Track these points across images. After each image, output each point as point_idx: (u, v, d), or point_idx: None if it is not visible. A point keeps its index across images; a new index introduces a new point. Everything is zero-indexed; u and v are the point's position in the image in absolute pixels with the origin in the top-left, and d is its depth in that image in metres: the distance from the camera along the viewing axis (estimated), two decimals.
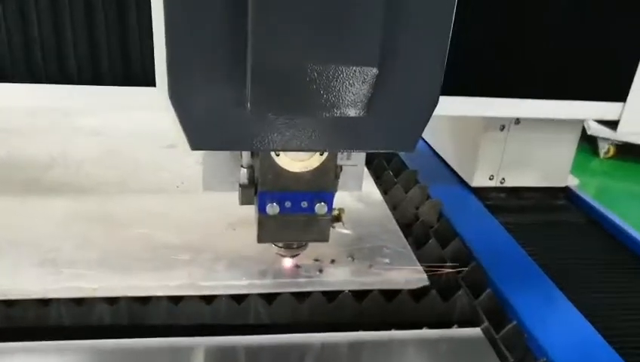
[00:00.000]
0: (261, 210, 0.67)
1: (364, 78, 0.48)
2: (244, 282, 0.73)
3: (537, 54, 0.86)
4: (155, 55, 0.54)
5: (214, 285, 0.72)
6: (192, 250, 0.78)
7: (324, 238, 0.71)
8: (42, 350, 0.63)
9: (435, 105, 0.54)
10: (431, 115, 0.55)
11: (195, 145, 0.52)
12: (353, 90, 0.49)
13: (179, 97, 0.49)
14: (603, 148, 3.94)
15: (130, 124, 1.22)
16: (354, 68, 0.48)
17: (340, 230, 0.79)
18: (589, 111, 0.91)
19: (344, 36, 0.47)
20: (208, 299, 0.71)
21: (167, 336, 0.66)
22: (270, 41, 0.46)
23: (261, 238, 0.69)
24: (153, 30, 0.53)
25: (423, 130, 0.56)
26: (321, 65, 0.47)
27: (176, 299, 0.71)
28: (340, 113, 0.50)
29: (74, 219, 0.85)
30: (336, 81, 0.48)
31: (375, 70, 0.48)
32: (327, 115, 0.50)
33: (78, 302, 0.69)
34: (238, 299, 0.72)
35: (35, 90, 0.74)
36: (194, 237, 0.81)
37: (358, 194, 0.91)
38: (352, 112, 0.51)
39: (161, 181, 0.98)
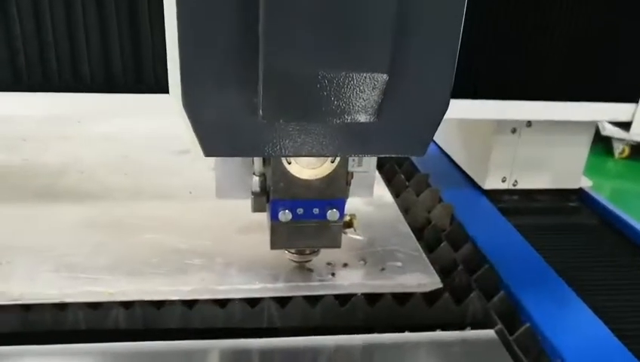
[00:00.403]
0: (273, 217, 0.68)
1: (375, 84, 0.49)
2: (257, 286, 0.73)
3: (548, 56, 0.87)
4: (168, 65, 0.55)
5: (228, 289, 0.73)
6: (205, 255, 0.79)
7: (335, 244, 0.71)
8: (57, 353, 0.65)
9: (446, 110, 0.55)
10: (441, 119, 0.55)
11: (208, 151, 0.53)
12: (364, 96, 0.49)
13: (192, 106, 0.50)
14: (617, 148, 3.91)
15: (142, 130, 1.23)
16: (364, 74, 0.48)
17: (351, 236, 0.80)
18: (601, 113, 0.91)
19: (355, 43, 0.47)
20: (222, 303, 0.72)
21: (181, 340, 0.67)
22: (281, 49, 0.47)
23: (274, 245, 0.70)
24: (166, 40, 0.54)
25: (434, 134, 0.56)
26: (332, 72, 0.48)
27: (190, 303, 0.71)
28: (351, 119, 0.51)
29: (88, 225, 0.85)
30: (347, 87, 0.49)
31: (385, 76, 0.49)
32: (338, 121, 0.51)
33: (94, 306, 0.70)
34: (252, 302, 0.72)
35: (48, 99, 0.76)
36: (206, 242, 0.82)
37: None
38: (362, 118, 0.51)
39: (174, 187, 0.99)
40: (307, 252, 0.75)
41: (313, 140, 0.54)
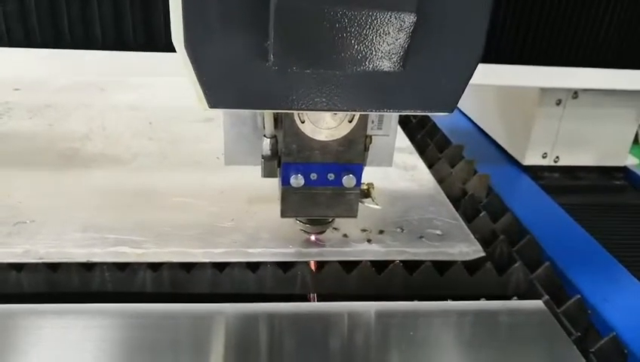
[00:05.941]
0: (284, 182, 0.61)
1: (401, 26, 0.41)
2: (291, 250, 0.69)
3: (600, 17, 0.80)
4: (170, 3, 0.47)
5: (260, 252, 0.68)
6: (235, 219, 0.75)
7: (351, 214, 0.65)
8: (80, 312, 0.61)
9: (479, 59, 0.46)
10: (474, 71, 0.47)
11: (213, 102, 0.46)
12: (388, 39, 0.42)
13: (195, 46, 0.43)
14: None
15: (166, 100, 1.19)
16: (389, 13, 0.41)
17: (368, 205, 0.72)
18: None
19: None
20: (253, 267, 0.68)
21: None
22: None
23: (284, 213, 0.64)
24: None
25: (465, 88, 0.48)
26: (352, 9, 0.40)
27: (220, 267, 0.67)
28: (373, 67, 0.43)
29: (114, 188, 0.82)
30: (369, 28, 0.41)
31: (413, 16, 0.41)
32: (359, 68, 0.44)
33: (122, 267, 0.66)
34: (284, 266, 0.68)
35: (60, 56, 0.72)
36: (237, 205, 0.78)
37: (404, 167, 0.87)
38: (386, 66, 0.44)
39: (201, 152, 0.95)
40: (320, 222, 0.69)
41: (329, 92, 0.46)
